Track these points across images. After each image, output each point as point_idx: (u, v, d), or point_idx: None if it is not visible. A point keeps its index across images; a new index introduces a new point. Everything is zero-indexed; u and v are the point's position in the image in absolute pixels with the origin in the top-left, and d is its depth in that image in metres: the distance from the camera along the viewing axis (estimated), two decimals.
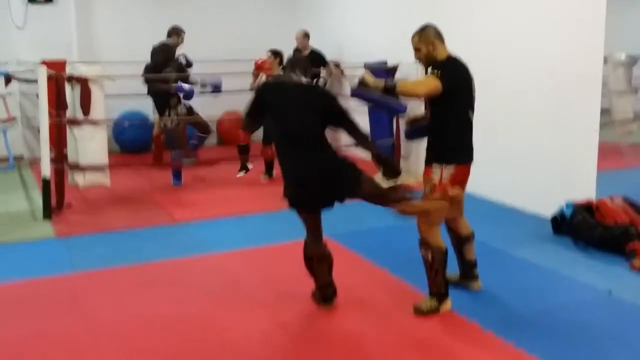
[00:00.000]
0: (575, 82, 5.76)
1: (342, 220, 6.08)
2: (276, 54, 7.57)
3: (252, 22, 9.99)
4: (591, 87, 5.67)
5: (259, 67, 7.75)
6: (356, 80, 3.91)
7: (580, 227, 5.30)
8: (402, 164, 8.04)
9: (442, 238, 4.04)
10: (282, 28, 9.94)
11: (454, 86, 3.89)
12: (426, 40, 3.97)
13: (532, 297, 4.33)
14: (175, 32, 8.10)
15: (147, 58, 7.91)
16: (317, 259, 4.07)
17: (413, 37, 4.03)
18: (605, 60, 6.29)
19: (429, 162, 4.05)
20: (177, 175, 7.58)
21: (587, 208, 5.44)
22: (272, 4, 10.77)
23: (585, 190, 5.64)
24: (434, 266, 3.99)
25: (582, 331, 3.82)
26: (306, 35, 8.97)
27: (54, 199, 6.34)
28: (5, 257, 5.20)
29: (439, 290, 4.03)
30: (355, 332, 3.83)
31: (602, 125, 5.87)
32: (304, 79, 3.98)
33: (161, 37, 8.15)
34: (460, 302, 4.17)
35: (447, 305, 4.06)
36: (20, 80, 8.16)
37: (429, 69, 3.96)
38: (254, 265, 4.95)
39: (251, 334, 3.79)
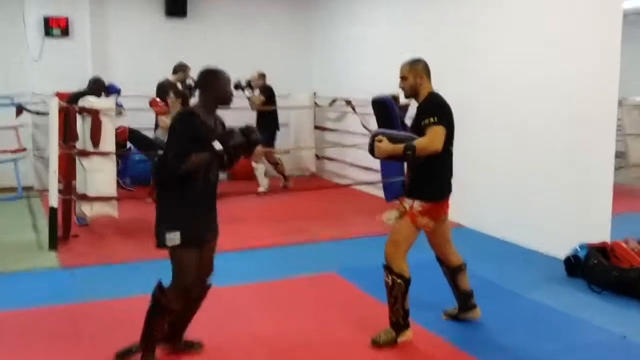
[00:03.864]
0: (590, 124, 5.71)
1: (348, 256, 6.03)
2: (178, 94, 7.61)
3: (265, 59, 10.03)
4: (606, 129, 5.63)
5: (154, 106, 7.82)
6: (370, 144, 3.91)
7: (595, 269, 5.18)
8: None
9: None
10: (294, 64, 10.00)
11: (448, 128, 3.93)
12: (415, 72, 4.03)
13: (544, 339, 4.20)
14: (181, 69, 8.30)
15: None
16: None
17: (404, 65, 4.09)
18: (620, 104, 6.26)
19: (404, 194, 4.07)
20: None
21: (601, 250, 5.32)
22: (284, 40, 10.86)
23: (599, 232, 5.53)
24: (393, 293, 3.93)
25: None
26: (261, 76, 9.27)
27: (61, 230, 6.29)
28: (9, 286, 5.17)
29: (397, 319, 3.96)
30: None
31: (617, 168, 5.80)
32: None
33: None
34: (471, 342, 4.08)
35: (406, 336, 3.99)
36: (32, 112, 8.21)
37: (426, 117, 3.90)
38: (260, 300, 4.85)
39: None
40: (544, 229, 6.11)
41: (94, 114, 6.58)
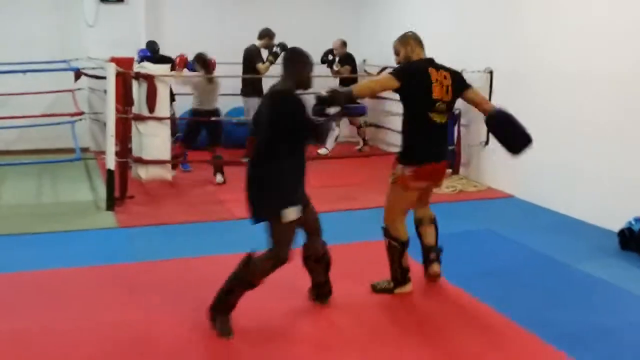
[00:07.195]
0: None
1: None
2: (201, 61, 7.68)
3: (314, 25, 10.02)
4: None
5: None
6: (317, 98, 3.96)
7: None
8: (462, 171, 7.93)
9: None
10: (343, 31, 9.98)
11: (409, 84, 4.05)
12: (406, 43, 4.24)
13: (596, 313, 4.18)
14: (267, 34, 8.46)
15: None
16: (314, 259, 4.05)
17: (394, 42, 4.31)
18: None
19: (396, 158, 4.27)
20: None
21: None
22: (334, 6, 10.80)
23: None
24: (389, 254, 4.29)
25: None
26: (344, 44, 9.56)
27: (117, 191, 6.48)
28: (69, 245, 5.35)
29: (394, 276, 4.32)
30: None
31: None
32: (280, 85, 3.72)
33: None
34: (521, 313, 4.06)
35: (404, 289, 4.31)
36: (89, 76, 8.39)
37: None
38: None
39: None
40: (599, 202, 6.02)
41: (150, 80, 6.70)
